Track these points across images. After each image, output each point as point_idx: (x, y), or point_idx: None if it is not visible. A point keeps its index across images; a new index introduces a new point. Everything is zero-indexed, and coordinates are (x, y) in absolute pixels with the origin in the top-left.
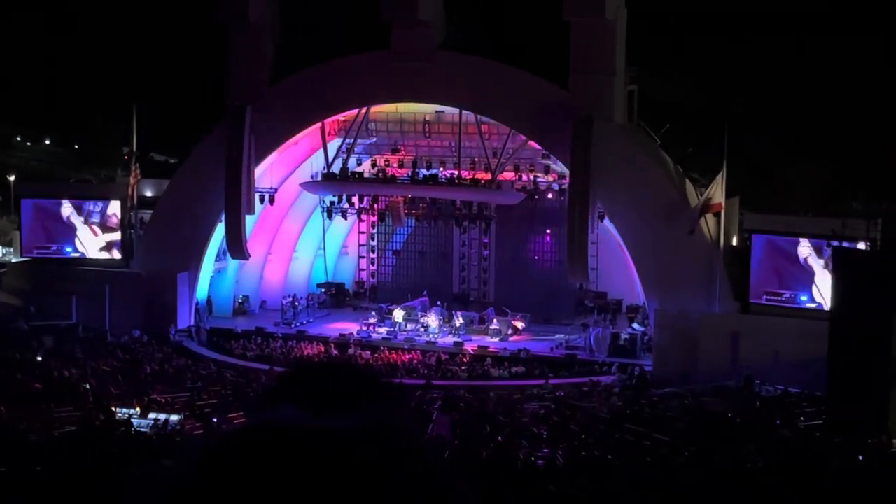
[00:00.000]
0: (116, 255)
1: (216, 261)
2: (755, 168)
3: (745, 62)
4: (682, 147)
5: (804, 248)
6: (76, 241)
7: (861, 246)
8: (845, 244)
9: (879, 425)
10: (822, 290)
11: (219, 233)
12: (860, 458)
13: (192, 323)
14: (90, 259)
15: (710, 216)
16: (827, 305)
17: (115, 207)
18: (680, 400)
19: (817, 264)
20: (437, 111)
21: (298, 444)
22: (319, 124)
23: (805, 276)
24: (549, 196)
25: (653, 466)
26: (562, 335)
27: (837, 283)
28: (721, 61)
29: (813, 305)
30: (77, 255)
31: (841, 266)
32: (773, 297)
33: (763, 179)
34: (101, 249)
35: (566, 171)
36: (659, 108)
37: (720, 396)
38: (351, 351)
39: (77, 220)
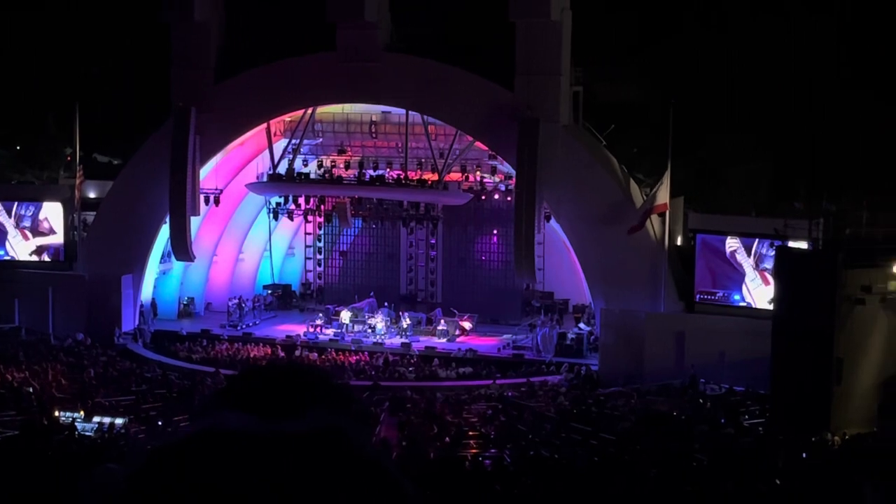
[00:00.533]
0: (46, 258)
1: (161, 262)
2: (700, 168)
3: (691, 61)
4: (628, 147)
5: (736, 248)
6: (7, 244)
7: (803, 245)
8: (788, 243)
9: (822, 423)
10: (752, 290)
11: (163, 234)
12: (804, 455)
13: (137, 325)
14: (20, 261)
15: (655, 216)
16: (756, 304)
17: (48, 211)
18: (626, 399)
19: (747, 263)
20: (383, 112)
21: (245, 449)
22: (265, 125)
23: (737, 276)
24: (496, 197)
25: (599, 465)
26: (509, 335)
27: (780, 282)
28: (668, 61)
29: (744, 304)
30: (8, 258)
31: (784, 265)
32: (706, 296)
33: (708, 179)
34: (32, 253)
35: (513, 172)
36: (605, 109)
37: (665, 395)
38: (298, 353)
39: (8, 223)
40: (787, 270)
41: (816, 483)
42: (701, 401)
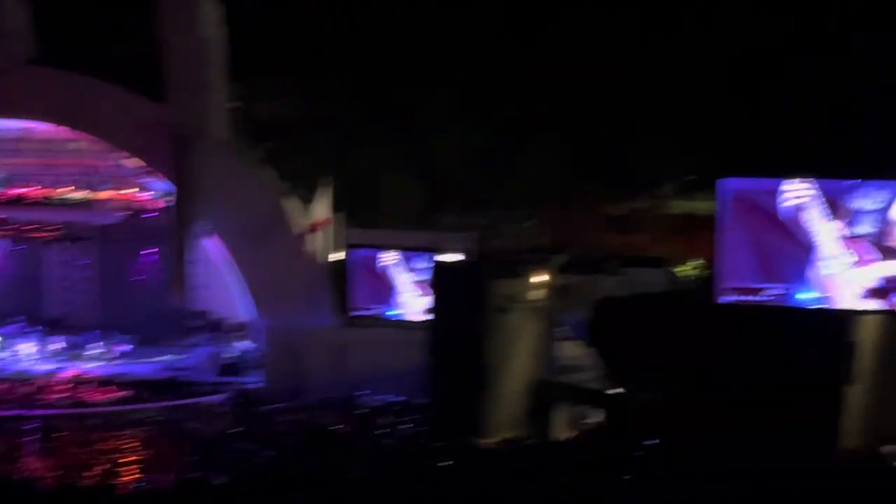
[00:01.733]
0: None
1: None
2: (359, 183)
3: (348, 77)
4: (288, 163)
5: (392, 261)
6: None
7: (455, 257)
8: (441, 256)
9: (476, 428)
10: (408, 302)
11: None
12: (459, 459)
13: None
14: None
15: (315, 231)
16: (412, 316)
17: None
18: (289, 415)
19: (403, 276)
20: (27, 127)
21: None
22: None
23: (393, 289)
24: (152, 214)
25: (265, 483)
26: (168, 356)
27: (434, 293)
28: (326, 78)
29: (401, 317)
30: None
31: (436, 277)
32: (365, 310)
33: (367, 194)
34: None
35: (169, 189)
36: (263, 125)
37: (328, 409)
38: None
39: None
40: (439, 282)
41: (471, 486)
42: (362, 413)
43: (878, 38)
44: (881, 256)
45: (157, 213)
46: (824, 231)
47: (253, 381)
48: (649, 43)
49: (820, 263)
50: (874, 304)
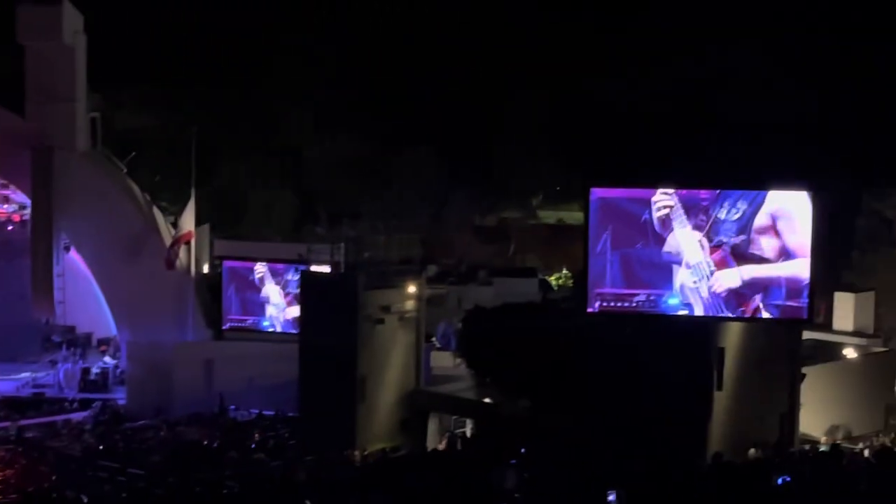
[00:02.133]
0: None
1: None
2: (225, 195)
3: (211, 90)
4: (151, 174)
5: (263, 274)
6: None
7: (326, 269)
8: (311, 268)
9: (349, 440)
10: (279, 314)
11: None
12: (330, 472)
13: None
14: None
15: (182, 244)
16: (284, 329)
17: None
18: (155, 431)
19: (274, 289)
20: None
21: None
22: None
23: (264, 301)
24: (10, 228)
25: (129, 501)
26: (28, 373)
27: (305, 306)
28: (190, 87)
29: (272, 329)
30: None
31: (307, 289)
32: (237, 323)
33: (234, 206)
34: None
35: (28, 201)
36: (125, 135)
37: (196, 424)
38: None
39: None
40: (311, 294)
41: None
42: (231, 427)
43: (740, 50)
44: (742, 263)
45: (13, 227)
46: (687, 239)
47: (119, 397)
48: (521, 55)
49: (683, 271)
50: (736, 311)
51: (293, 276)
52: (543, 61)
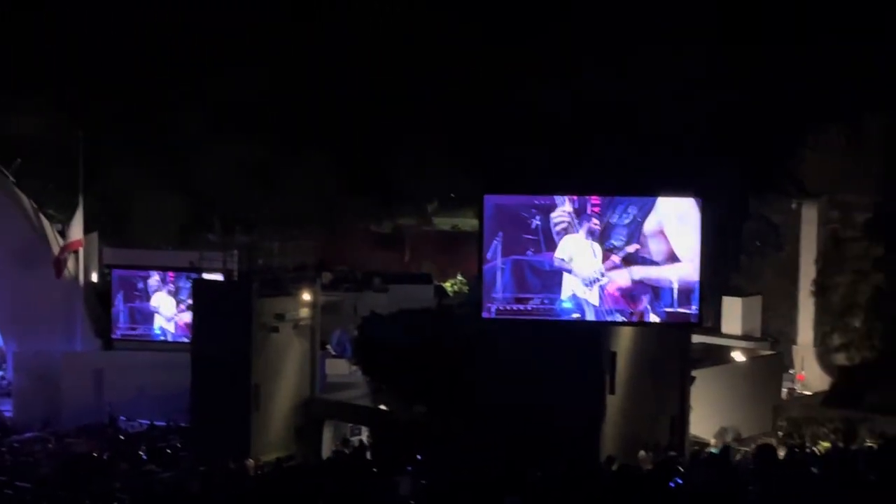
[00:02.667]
0: None
1: None
2: (114, 201)
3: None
4: (36, 182)
5: (153, 282)
6: None
7: (218, 277)
8: (204, 275)
9: (243, 449)
10: (170, 323)
11: None
12: (224, 482)
13: None
14: None
15: (69, 253)
16: (171, 337)
17: None
18: (43, 444)
19: (165, 297)
20: None
21: None
22: None
23: (152, 311)
24: None
25: None
26: None
27: (197, 314)
28: (76, 91)
29: (164, 338)
30: None
31: (199, 297)
32: (127, 332)
33: (123, 213)
34: None
35: None
36: (8, 142)
37: (85, 436)
38: None
39: None
40: (203, 302)
41: None
42: (121, 438)
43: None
44: (633, 267)
45: None
46: (579, 246)
47: (6, 409)
48: (418, 61)
49: (573, 278)
50: (627, 313)
51: (185, 285)
52: (441, 67)
